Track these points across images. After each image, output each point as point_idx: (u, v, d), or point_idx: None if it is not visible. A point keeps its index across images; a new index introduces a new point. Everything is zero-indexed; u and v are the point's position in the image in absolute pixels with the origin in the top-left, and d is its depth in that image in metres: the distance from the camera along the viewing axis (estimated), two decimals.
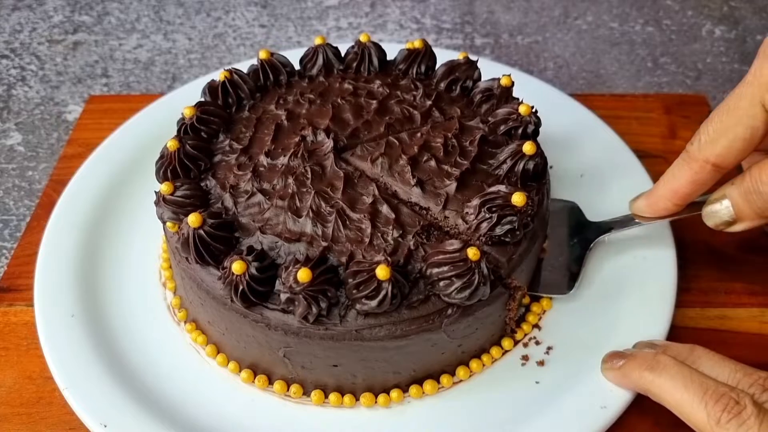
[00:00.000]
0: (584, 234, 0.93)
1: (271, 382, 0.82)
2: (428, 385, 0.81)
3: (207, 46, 1.43)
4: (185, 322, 0.88)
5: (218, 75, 0.94)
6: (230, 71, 0.94)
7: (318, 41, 0.99)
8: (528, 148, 0.80)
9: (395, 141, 0.86)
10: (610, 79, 1.34)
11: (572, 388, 0.80)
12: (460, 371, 0.82)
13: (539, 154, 0.82)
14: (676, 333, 0.88)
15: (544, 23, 1.48)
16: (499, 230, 0.76)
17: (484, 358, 0.83)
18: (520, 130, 0.87)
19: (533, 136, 0.88)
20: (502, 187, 0.77)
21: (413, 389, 0.80)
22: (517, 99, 0.92)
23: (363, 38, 0.99)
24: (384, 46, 1.01)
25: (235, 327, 0.78)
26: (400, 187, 0.82)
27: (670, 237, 0.94)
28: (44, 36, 1.45)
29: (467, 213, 0.78)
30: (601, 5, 1.52)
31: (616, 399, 0.79)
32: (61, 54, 1.41)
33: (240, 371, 0.83)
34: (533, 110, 0.87)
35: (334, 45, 1.00)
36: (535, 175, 0.83)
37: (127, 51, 1.42)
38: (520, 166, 0.81)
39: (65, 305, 0.88)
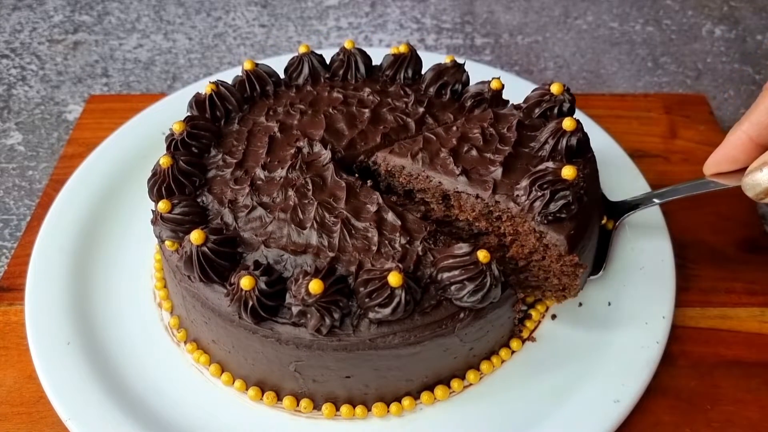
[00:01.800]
0: (608, 214, 0.93)
1: (279, 398, 0.81)
2: (439, 390, 0.80)
3: (207, 45, 1.43)
4: (185, 343, 0.87)
5: (220, 76, 0.93)
6: (216, 83, 0.92)
7: (302, 50, 0.98)
8: (568, 124, 0.80)
9: (432, 136, 0.86)
10: (610, 79, 1.34)
11: (583, 385, 0.81)
12: (470, 375, 0.82)
13: (580, 129, 0.81)
14: (677, 332, 0.88)
15: (544, 23, 1.48)
16: (553, 207, 0.75)
17: (494, 360, 0.83)
18: (555, 110, 0.87)
19: (569, 113, 0.88)
20: (549, 164, 0.77)
21: (425, 396, 0.80)
22: (508, 101, 0.92)
23: (348, 45, 0.98)
24: (384, 47, 1.01)
25: (243, 344, 0.77)
26: (444, 179, 0.81)
27: (665, 229, 0.95)
28: (44, 36, 1.45)
29: (518, 195, 0.77)
30: (601, 5, 1.52)
31: (628, 392, 0.79)
32: (62, 54, 1.41)
33: (247, 389, 0.82)
34: (565, 88, 0.87)
35: (335, 45, 1.00)
36: (579, 151, 0.82)
37: (127, 51, 1.42)
38: (563, 143, 0.81)
39: (59, 333, 0.86)
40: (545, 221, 0.76)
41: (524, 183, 0.77)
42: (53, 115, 1.26)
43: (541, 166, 0.77)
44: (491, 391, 0.81)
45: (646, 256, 0.93)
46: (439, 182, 0.82)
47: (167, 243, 0.79)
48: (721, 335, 0.90)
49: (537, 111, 0.87)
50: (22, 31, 1.46)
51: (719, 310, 0.92)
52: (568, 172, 0.74)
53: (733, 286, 0.95)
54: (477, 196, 0.80)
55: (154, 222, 0.79)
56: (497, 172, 0.80)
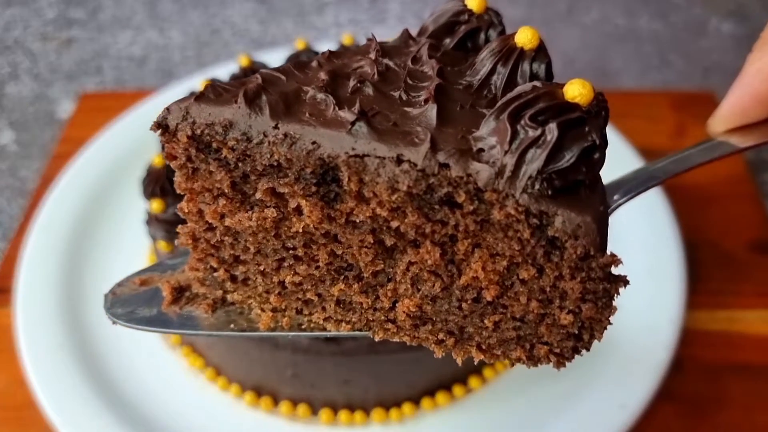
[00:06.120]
0: None
1: (276, 404, 0.79)
2: (441, 396, 0.79)
3: (203, 41, 1.40)
4: (180, 346, 0.85)
5: (215, 72, 0.91)
6: (211, 81, 0.91)
7: (300, 46, 0.96)
8: (526, 37, 0.48)
9: (277, 75, 0.50)
10: (616, 76, 1.31)
11: (589, 390, 0.79)
12: (473, 381, 0.80)
13: (543, 46, 0.49)
14: (684, 335, 0.86)
15: (549, 18, 1.45)
16: (567, 157, 0.40)
17: (498, 365, 0.82)
18: (481, 37, 0.53)
19: None
20: (536, 83, 0.44)
21: (426, 401, 0.78)
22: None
23: (346, 41, 0.96)
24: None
25: (239, 348, 0.76)
26: (324, 135, 0.44)
27: (674, 231, 0.93)
28: (37, 33, 1.43)
29: (485, 147, 0.42)
30: (607, 0, 1.50)
31: (635, 397, 0.77)
32: (55, 51, 1.39)
33: (243, 394, 0.80)
34: (488, 6, 0.55)
35: (335, 41, 0.99)
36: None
37: (121, 47, 1.39)
38: (525, 70, 0.48)
39: (51, 337, 0.84)
40: (547, 191, 0.41)
41: (493, 124, 0.42)
42: (46, 113, 1.24)
43: (524, 87, 0.43)
44: (494, 396, 0.80)
45: (654, 258, 0.90)
46: (314, 143, 0.45)
47: (161, 244, 0.78)
48: (729, 338, 0.88)
49: (448, 41, 0.53)
50: (15, 28, 1.44)
51: (727, 313, 0.90)
52: (577, 90, 0.42)
53: (741, 288, 0.93)
54: (400, 160, 0.43)
55: (147, 222, 0.79)
56: (429, 113, 0.44)
